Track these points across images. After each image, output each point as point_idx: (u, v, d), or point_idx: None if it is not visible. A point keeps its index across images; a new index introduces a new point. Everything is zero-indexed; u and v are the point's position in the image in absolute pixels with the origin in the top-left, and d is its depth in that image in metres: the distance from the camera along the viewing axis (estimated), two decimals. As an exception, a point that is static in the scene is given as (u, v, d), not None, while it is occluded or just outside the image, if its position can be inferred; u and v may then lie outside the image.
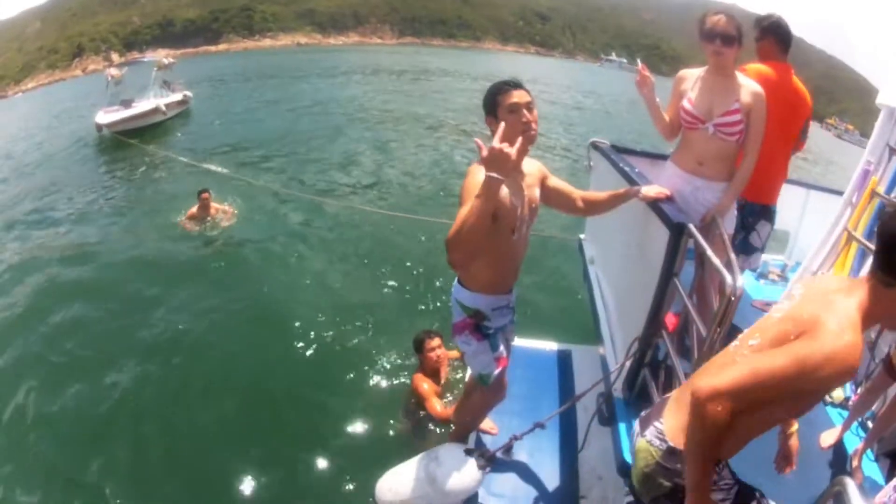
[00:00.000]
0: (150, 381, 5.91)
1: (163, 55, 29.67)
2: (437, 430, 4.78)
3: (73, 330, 6.82)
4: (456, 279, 3.00)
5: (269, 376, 5.98)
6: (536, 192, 2.90)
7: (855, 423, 3.28)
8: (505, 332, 3.15)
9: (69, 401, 5.60)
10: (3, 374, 6.11)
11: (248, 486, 4.61)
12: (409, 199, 12.29)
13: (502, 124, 2.30)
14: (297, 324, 6.82)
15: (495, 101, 2.63)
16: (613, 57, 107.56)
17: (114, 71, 22.45)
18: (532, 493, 3.58)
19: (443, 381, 5.20)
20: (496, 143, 2.19)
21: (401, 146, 18.13)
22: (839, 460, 3.05)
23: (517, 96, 2.58)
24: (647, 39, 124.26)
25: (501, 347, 3.12)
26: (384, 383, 5.77)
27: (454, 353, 5.29)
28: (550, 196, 3.04)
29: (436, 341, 5.10)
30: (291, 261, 8.80)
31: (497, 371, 3.15)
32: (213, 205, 9.84)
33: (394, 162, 16.01)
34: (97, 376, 5.94)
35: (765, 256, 5.88)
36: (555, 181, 3.06)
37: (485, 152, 2.18)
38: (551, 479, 3.68)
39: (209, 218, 9.74)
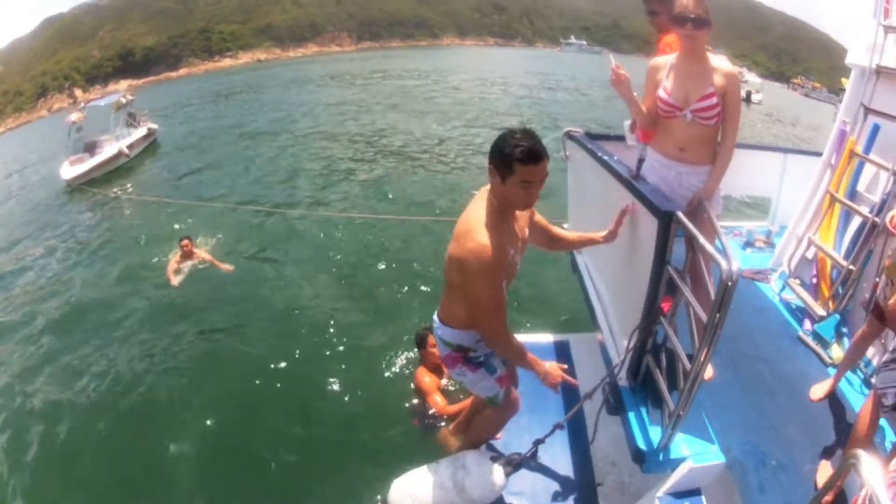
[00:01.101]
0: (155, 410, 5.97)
1: (125, 86, 29.34)
2: (441, 425, 4.80)
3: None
4: (436, 316, 2.99)
5: (274, 382, 6.12)
6: (527, 232, 2.85)
7: (858, 380, 3.34)
8: None
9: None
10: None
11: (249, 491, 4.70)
12: (387, 202, 12.46)
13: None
14: (300, 333, 7.01)
15: (511, 166, 2.35)
16: (573, 40, 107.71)
17: (74, 116, 21.88)
18: (551, 486, 3.62)
19: (445, 375, 5.19)
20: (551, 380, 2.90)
21: (368, 147, 18.55)
22: (840, 416, 3.10)
23: (533, 174, 2.35)
24: (605, 19, 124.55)
25: (499, 367, 3.12)
26: (387, 381, 5.85)
27: None
28: (533, 232, 3.00)
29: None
30: (284, 278, 8.93)
31: (503, 390, 3.15)
32: (195, 250, 9.84)
33: (363, 165, 16.29)
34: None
35: (748, 224, 5.95)
36: (538, 217, 3.05)
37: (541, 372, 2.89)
38: (566, 470, 3.72)
39: (192, 263, 9.69)
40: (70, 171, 18.53)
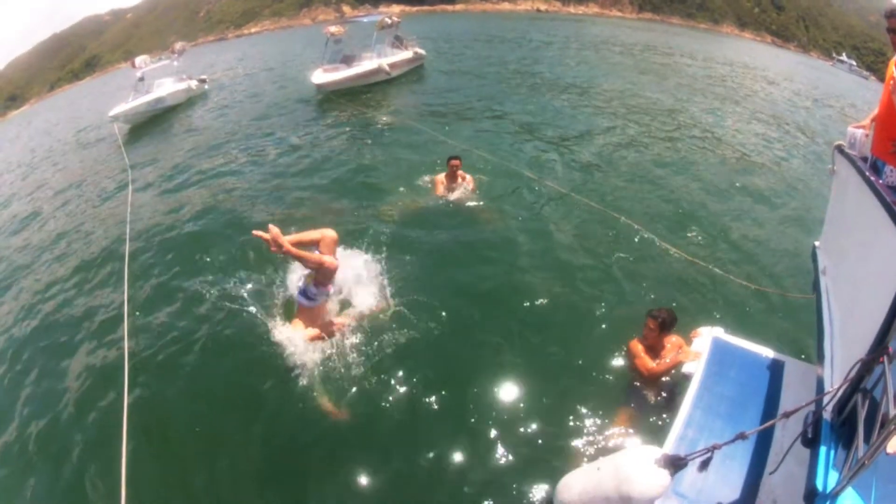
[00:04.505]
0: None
1: (397, 11, 30.27)
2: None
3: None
4: None
5: (484, 351, 6.39)
6: None
7: None
8: None
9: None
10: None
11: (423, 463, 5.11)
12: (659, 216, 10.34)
13: None
14: (531, 300, 7.08)
15: None
16: (844, 58, 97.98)
17: (333, 28, 22.59)
18: (710, 498, 3.59)
19: (657, 361, 5.55)
20: None
21: (647, 138, 16.14)
22: None
23: None
24: (873, 43, 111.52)
25: None
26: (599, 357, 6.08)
27: (682, 357, 5.49)
28: None
29: (652, 323, 5.50)
30: (534, 242, 8.57)
31: None
32: (461, 173, 9.63)
33: (631, 154, 14.20)
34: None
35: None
36: None
37: None
38: (733, 491, 3.67)
39: (455, 186, 9.58)
40: (322, 76, 19.48)
